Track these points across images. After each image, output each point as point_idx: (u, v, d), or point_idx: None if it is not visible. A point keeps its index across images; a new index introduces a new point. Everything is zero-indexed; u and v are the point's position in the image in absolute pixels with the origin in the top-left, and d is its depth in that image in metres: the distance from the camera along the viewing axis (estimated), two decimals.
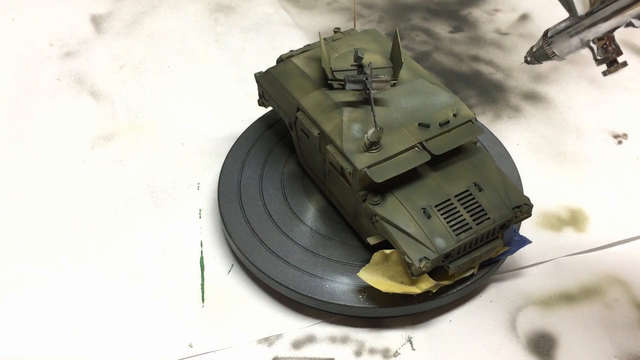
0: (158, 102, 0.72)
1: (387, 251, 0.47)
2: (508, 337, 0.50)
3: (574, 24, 0.35)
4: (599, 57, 0.35)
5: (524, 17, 0.86)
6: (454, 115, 0.49)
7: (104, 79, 0.76)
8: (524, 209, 0.48)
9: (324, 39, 0.55)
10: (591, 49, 0.35)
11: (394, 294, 0.47)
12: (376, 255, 0.47)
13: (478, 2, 0.89)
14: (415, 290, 0.46)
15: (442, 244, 0.45)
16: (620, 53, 0.35)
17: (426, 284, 0.46)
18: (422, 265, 0.44)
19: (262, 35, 0.83)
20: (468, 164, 0.49)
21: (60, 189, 0.62)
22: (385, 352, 0.49)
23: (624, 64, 0.35)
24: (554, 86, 0.74)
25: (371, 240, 0.49)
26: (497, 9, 0.87)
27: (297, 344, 0.50)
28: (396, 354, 0.49)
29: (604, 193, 0.61)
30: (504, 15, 0.86)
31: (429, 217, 0.46)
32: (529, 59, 0.41)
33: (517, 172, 0.59)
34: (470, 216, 0.46)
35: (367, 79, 0.49)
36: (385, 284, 0.47)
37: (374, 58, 0.53)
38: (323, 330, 0.51)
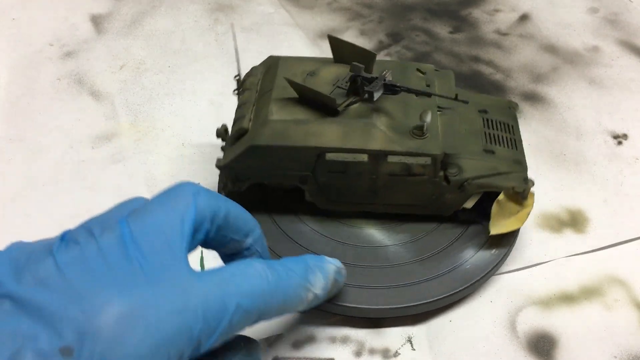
0: (158, 102, 0.72)
1: (499, 198, 0.50)
2: (508, 337, 0.50)
3: None
4: None
5: (524, 17, 0.86)
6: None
7: (104, 79, 0.76)
8: (513, 105, 0.58)
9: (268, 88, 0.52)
10: None
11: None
12: (493, 208, 0.51)
13: (478, 2, 0.89)
14: (528, 210, 0.51)
15: (518, 162, 0.52)
16: None
17: (529, 204, 0.51)
18: (529, 185, 0.50)
19: (262, 35, 0.83)
20: (470, 109, 0.55)
21: (60, 189, 0.62)
22: (385, 352, 0.49)
23: None
24: (554, 87, 0.74)
25: (469, 204, 0.52)
26: (497, 9, 0.88)
27: (297, 344, 0.50)
28: (396, 354, 0.49)
29: (604, 193, 0.61)
30: (504, 16, 0.86)
31: (492, 152, 0.52)
32: None
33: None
34: (505, 132, 0.54)
35: (380, 77, 0.49)
36: (513, 222, 0.51)
37: (333, 71, 0.52)
38: (323, 330, 0.51)
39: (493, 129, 0.54)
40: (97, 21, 0.85)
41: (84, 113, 0.71)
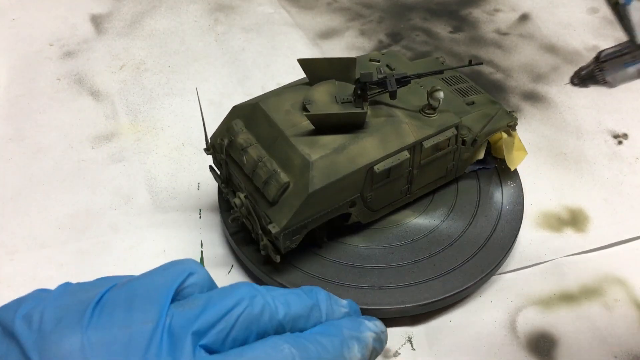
0: (158, 102, 0.72)
1: (503, 137, 0.56)
2: (508, 337, 0.50)
3: (633, 51, 0.33)
4: None
5: (524, 17, 0.86)
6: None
7: (104, 79, 0.76)
8: (442, 59, 0.61)
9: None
10: None
11: None
12: (504, 148, 0.56)
13: (478, 2, 0.89)
14: (517, 137, 0.57)
15: (493, 101, 0.56)
16: None
17: (516, 132, 0.56)
18: (515, 116, 0.55)
19: (262, 35, 0.83)
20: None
21: (60, 188, 0.62)
22: (385, 352, 0.49)
23: None
24: (554, 86, 0.74)
25: (481, 155, 0.56)
26: (497, 9, 0.87)
27: None
28: (396, 354, 0.49)
29: (604, 193, 0.61)
30: (504, 15, 0.86)
31: (473, 102, 0.55)
32: (575, 81, 0.39)
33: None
34: (462, 83, 0.58)
35: (389, 75, 0.50)
36: (520, 153, 0.57)
37: (323, 90, 0.51)
38: None
39: (454, 84, 0.57)
40: (97, 21, 0.85)
41: (84, 113, 0.71)
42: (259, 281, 0.52)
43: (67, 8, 0.87)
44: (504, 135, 0.56)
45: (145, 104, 0.72)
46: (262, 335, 0.35)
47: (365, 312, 0.46)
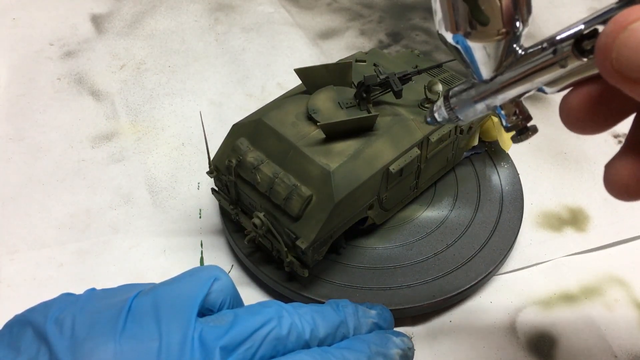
0: (158, 102, 0.72)
1: (495, 121, 0.57)
2: (508, 337, 0.50)
3: (478, 87, 0.33)
4: (507, 125, 0.33)
5: None
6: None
7: (104, 78, 0.76)
8: (417, 52, 0.61)
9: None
10: (498, 115, 0.33)
11: None
12: (497, 133, 0.58)
13: None
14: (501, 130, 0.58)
15: None
16: (529, 119, 0.33)
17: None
18: None
19: (262, 35, 0.83)
20: (408, 69, 0.54)
21: (60, 188, 0.62)
22: None
23: (535, 129, 0.33)
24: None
25: (476, 141, 0.58)
26: None
27: None
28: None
29: (604, 193, 0.61)
30: None
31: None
32: (429, 119, 0.38)
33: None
34: (443, 73, 0.57)
35: (391, 75, 0.50)
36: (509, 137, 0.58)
37: (324, 98, 0.51)
38: None
39: (437, 75, 0.57)
40: (97, 21, 0.85)
41: (84, 112, 0.71)
42: (283, 298, 0.51)
43: (67, 8, 0.87)
44: (494, 119, 0.57)
45: (145, 104, 0.72)
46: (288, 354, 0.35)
47: (398, 312, 0.47)
